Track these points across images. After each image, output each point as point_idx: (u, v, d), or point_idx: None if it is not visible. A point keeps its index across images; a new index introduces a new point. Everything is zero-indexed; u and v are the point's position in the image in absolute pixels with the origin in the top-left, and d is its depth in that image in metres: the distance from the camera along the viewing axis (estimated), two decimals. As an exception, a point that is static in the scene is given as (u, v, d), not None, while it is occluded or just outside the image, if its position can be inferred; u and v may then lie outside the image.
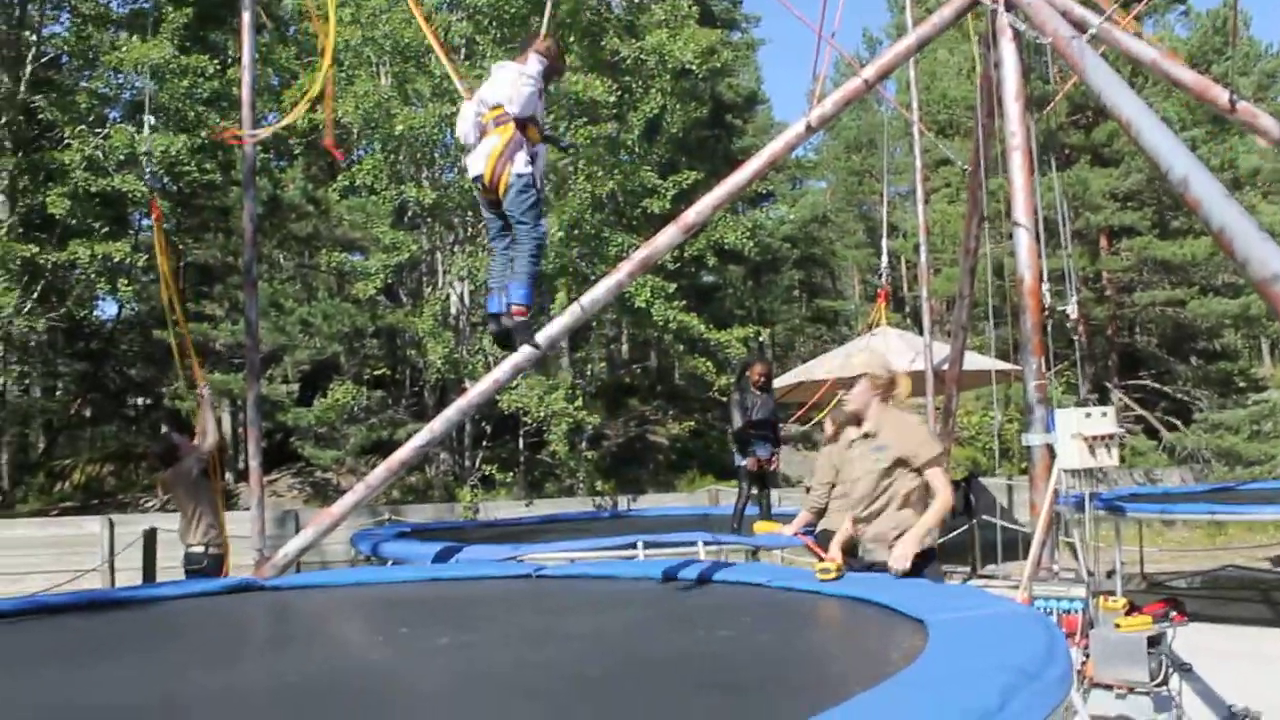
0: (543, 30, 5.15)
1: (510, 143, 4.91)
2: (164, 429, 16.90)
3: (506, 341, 5.27)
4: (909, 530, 5.04)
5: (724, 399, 19.83)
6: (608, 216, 19.22)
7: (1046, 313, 7.58)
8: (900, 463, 5.08)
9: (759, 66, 36.49)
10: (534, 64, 4.97)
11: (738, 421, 9.26)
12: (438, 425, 7.21)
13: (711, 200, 7.20)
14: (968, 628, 3.52)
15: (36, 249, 16.95)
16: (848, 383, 5.29)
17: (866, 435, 5.20)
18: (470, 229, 19.29)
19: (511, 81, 4.96)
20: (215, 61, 18.28)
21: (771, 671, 3.48)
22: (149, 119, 14.01)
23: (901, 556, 4.89)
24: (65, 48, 19.66)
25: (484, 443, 19.88)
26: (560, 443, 17.85)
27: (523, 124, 4.98)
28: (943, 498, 5.06)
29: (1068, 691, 3.01)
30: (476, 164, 4.99)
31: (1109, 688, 6.45)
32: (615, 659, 3.80)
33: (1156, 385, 25.27)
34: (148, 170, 15.16)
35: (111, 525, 15.34)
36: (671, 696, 3.19)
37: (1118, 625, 6.50)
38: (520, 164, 4.92)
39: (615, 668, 3.65)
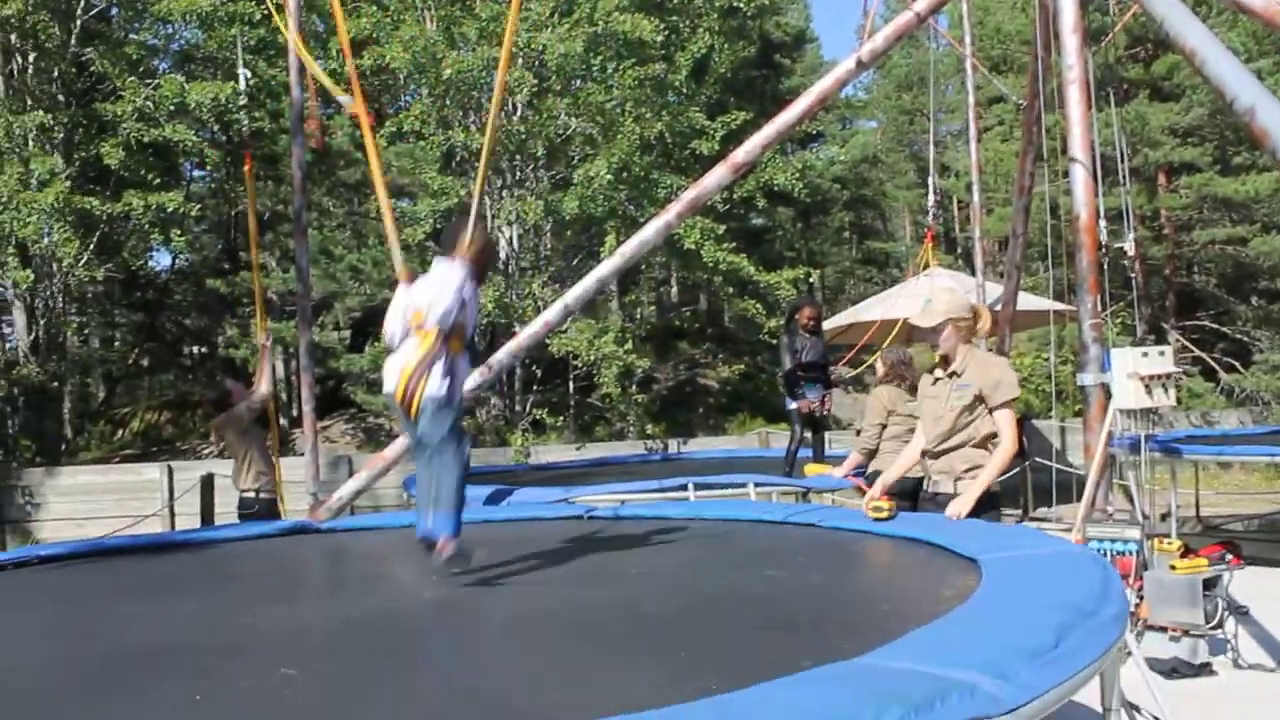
0: (467, 233, 4.52)
1: (428, 356, 4.32)
2: (219, 377, 17.15)
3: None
4: (975, 473, 5.00)
5: (774, 341, 19.75)
6: (656, 158, 19.07)
7: (1103, 251, 7.45)
8: (979, 400, 5.03)
9: (808, 4, 35.95)
10: (456, 274, 4.45)
11: (787, 364, 9.21)
12: (489, 368, 7.25)
13: (761, 139, 7.13)
14: (1021, 566, 3.49)
15: (95, 201, 17.16)
16: (932, 331, 5.20)
17: (953, 374, 5.14)
18: (519, 173, 19.25)
19: (435, 291, 4.43)
20: (262, 8, 18.26)
21: (824, 610, 3.49)
22: (244, 74, 13.86)
23: (957, 509, 4.86)
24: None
25: (534, 387, 19.97)
26: (612, 385, 17.85)
27: (446, 334, 4.39)
28: (1005, 444, 5.00)
29: (1123, 631, 2.98)
30: (390, 376, 4.43)
31: (1163, 630, 6.41)
32: (669, 598, 3.82)
33: (1215, 326, 24.80)
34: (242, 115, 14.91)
35: (170, 471, 15.66)
36: (726, 635, 3.20)
37: (1173, 567, 6.45)
38: (434, 383, 4.31)
39: (669, 606, 3.67)
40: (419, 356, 4.34)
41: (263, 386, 8.55)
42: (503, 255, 19.24)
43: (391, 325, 4.57)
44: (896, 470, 5.43)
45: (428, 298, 4.42)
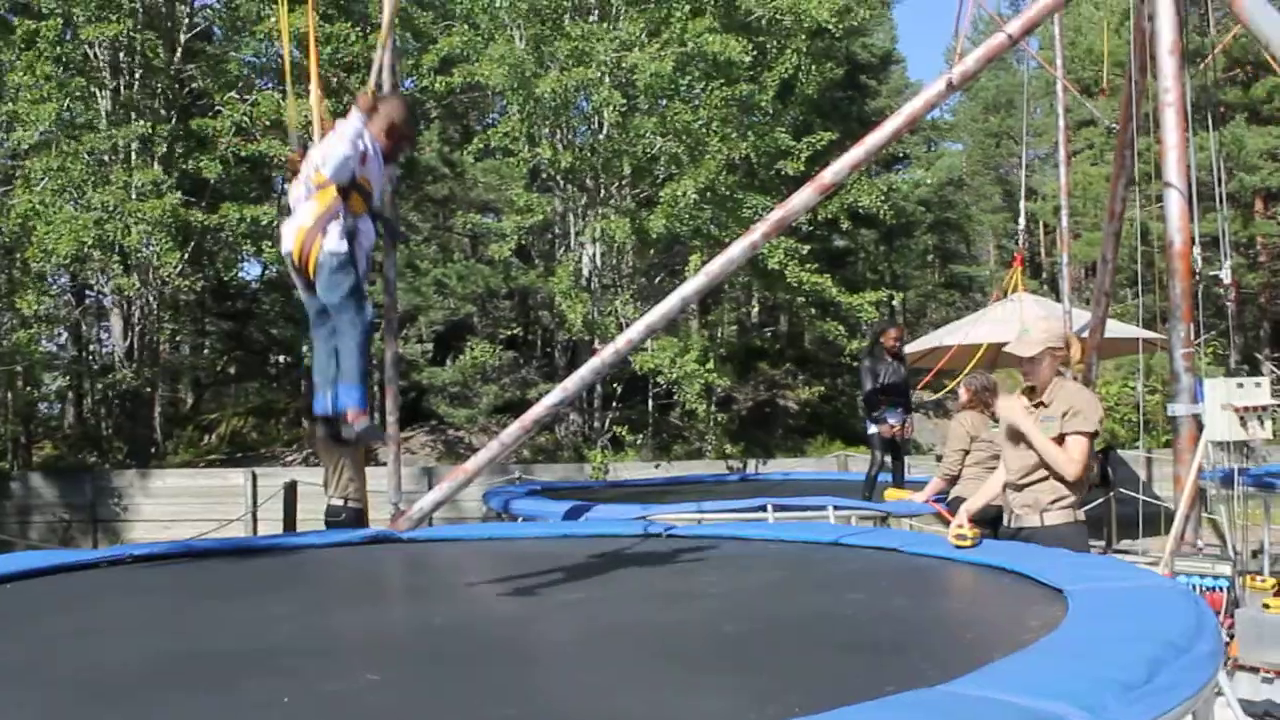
0: (369, 82, 4.25)
1: (326, 212, 4.04)
2: (306, 385, 17.42)
3: (339, 439, 4.39)
4: (1062, 500, 4.92)
5: (854, 364, 19.60)
6: (741, 178, 19.08)
7: (1196, 278, 7.29)
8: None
9: (894, 25, 35.69)
10: (352, 121, 4.10)
11: (868, 386, 9.17)
12: (571, 384, 7.31)
13: (849, 160, 7.10)
14: (1110, 598, 3.42)
15: (198, 214, 17.72)
16: (1028, 360, 5.11)
17: (1039, 405, 5.06)
18: (604, 190, 19.38)
19: (329, 140, 4.10)
20: (357, 29, 18.68)
21: (907, 636, 3.45)
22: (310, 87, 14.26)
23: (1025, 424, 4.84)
24: (216, 19, 20.36)
25: (614, 404, 20.04)
26: (697, 401, 17.83)
27: (345, 191, 4.11)
28: (1068, 463, 4.91)
29: (1218, 669, 2.91)
30: (285, 237, 4.15)
31: (1255, 670, 6.22)
32: (749, 618, 3.81)
33: (1312, 357, 24.12)
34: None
35: (254, 477, 15.98)
36: (808, 657, 3.18)
37: (1266, 606, 6.26)
38: (333, 240, 4.02)
39: (749, 627, 3.66)
40: (316, 213, 4.07)
41: None
42: (585, 272, 19.35)
43: (295, 190, 4.29)
44: (981, 498, 5.35)
45: (324, 152, 4.11)
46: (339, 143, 4.03)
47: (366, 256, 4.26)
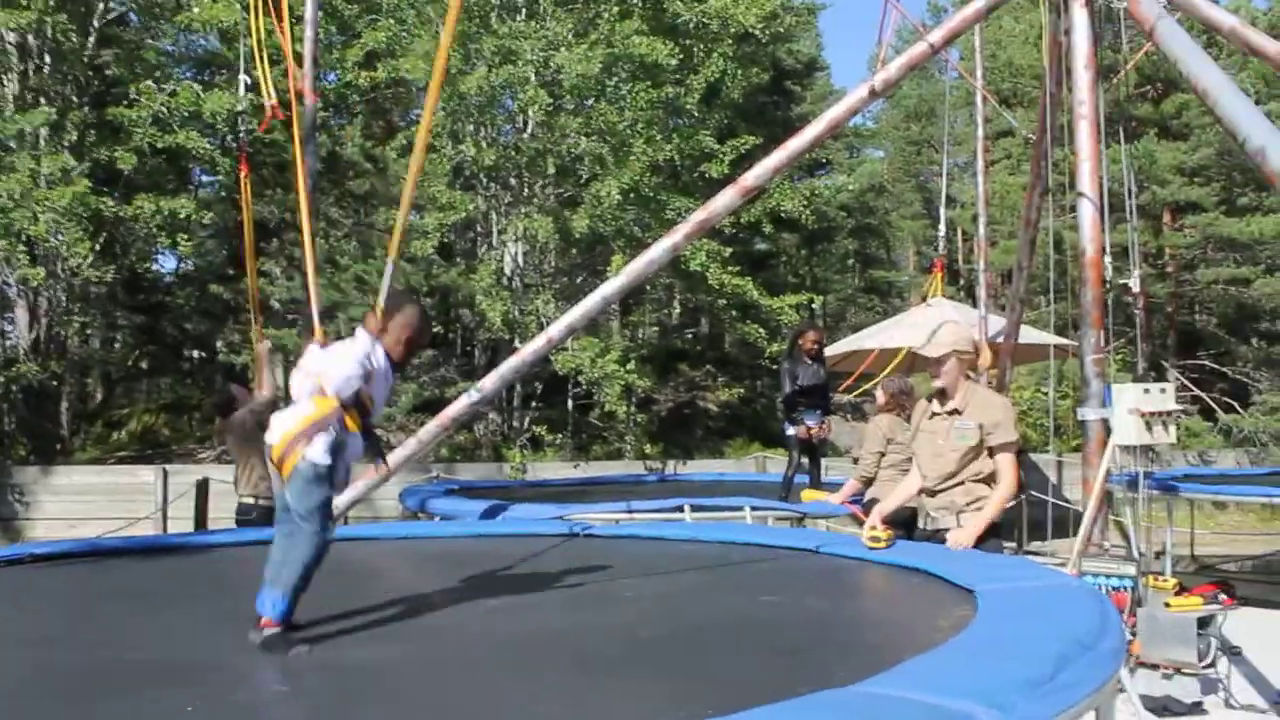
0: (378, 305, 4.14)
1: (316, 422, 3.93)
2: (219, 380, 17.11)
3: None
4: (979, 502, 5.00)
5: (774, 366, 19.74)
6: (665, 180, 19.13)
7: (1107, 287, 7.46)
8: (982, 443, 5.02)
9: (820, 32, 36.06)
10: (359, 342, 4.04)
11: (787, 389, 9.21)
12: (489, 383, 7.26)
13: (771, 163, 7.15)
14: (1019, 598, 3.49)
15: (109, 202, 17.22)
16: (937, 361, 5.19)
17: (953, 412, 5.12)
18: (527, 189, 19.30)
19: (335, 357, 4.02)
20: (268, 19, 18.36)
21: (821, 636, 3.48)
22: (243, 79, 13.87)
23: (959, 542, 4.85)
24: (133, 5, 19.86)
25: (533, 403, 19.97)
26: (617, 403, 17.83)
27: (345, 406, 4.01)
28: (1005, 485, 5.01)
29: (1120, 665, 2.97)
30: (273, 432, 4.04)
31: (1155, 667, 6.39)
32: (665, 620, 3.81)
33: (1215, 365, 24.82)
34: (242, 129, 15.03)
35: (165, 474, 15.64)
36: (722, 658, 3.19)
37: (1167, 605, 6.44)
38: (317, 450, 3.91)
39: (665, 629, 3.66)
40: (308, 419, 3.96)
41: (264, 391, 8.52)
42: (507, 271, 19.26)
43: (296, 384, 4.16)
44: (895, 500, 5.42)
45: (325, 363, 4.03)
46: (346, 362, 3.95)
47: (347, 471, 4.15)
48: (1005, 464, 5.01)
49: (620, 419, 18.80)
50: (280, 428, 3.97)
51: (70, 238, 16.66)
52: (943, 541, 4.98)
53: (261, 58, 8.50)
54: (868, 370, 13.55)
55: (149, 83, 17.83)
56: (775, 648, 3.31)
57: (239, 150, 12.34)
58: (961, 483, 5.06)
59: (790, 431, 9.26)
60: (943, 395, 5.20)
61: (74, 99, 18.72)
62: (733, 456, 20.50)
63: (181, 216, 17.58)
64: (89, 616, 4.18)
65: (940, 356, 5.15)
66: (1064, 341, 12.64)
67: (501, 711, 2.73)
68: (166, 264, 24.61)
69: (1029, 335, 13.17)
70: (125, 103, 18.03)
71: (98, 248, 17.64)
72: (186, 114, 17.72)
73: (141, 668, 3.19)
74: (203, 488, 12.78)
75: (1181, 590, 6.57)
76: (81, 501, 15.54)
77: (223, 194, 22.99)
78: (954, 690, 2.30)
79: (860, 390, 14.67)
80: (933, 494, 5.17)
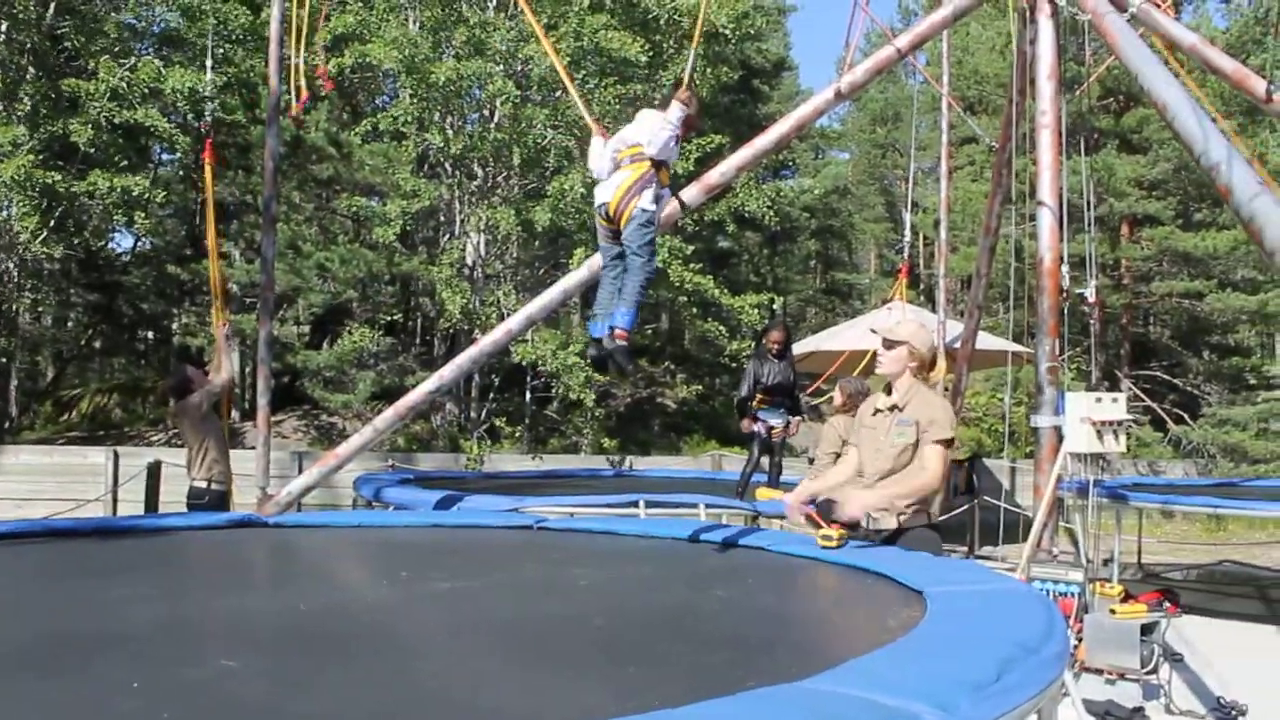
0: (685, 80, 5.29)
1: (642, 178, 4.98)
2: (174, 363, 16.88)
3: (602, 365, 5.19)
4: (918, 508, 5.01)
5: (735, 364, 19.81)
6: (630, 176, 19.10)
7: (1064, 296, 7.54)
8: (919, 440, 5.03)
9: (789, 33, 36.21)
10: (676, 110, 5.03)
11: (744, 389, 9.25)
12: (448, 373, 7.23)
13: (736, 161, 7.17)
14: (967, 601, 3.52)
15: (58, 176, 16.89)
16: (889, 344, 5.20)
17: (894, 408, 5.13)
18: (491, 180, 19.24)
19: (653, 124, 5.04)
20: (245, 10, 18.22)
21: (770, 633, 3.49)
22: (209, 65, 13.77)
23: (850, 509, 4.87)
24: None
25: (491, 395, 19.91)
26: (582, 391, 17.80)
27: (657, 165, 5.07)
28: (928, 472, 4.98)
29: (1063, 669, 3.01)
30: (605, 192, 5.06)
31: (1099, 672, 6.48)
32: (615, 613, 3.81)
33: (1167, 377, 25.18)
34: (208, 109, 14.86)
35: (116, 456, 15.42)
36: (671, 652, 3.19)
37: (1112, 611, 6.52)
38: (647, 199, 4.99)
39: (615, 621, 3.66)
40: (635, 176, 4.97)
41: (222, 374, 8.44)
42: (469, 261, 19.18)
43: (599, 162, 5.19)
44: (826, 482, 5.41)
45: (644, 134, 5.02)
46: (666, 128, 4.97)
47: (659, 217, 5.20)
48: (932, 454, 4.99)
49: (586, 408, 18.77)
50: (612, 187, 5.02)
51: (18, 211, 16.38)
52: (886, 539, 5.00)
53: (299, 43, 8.52)
54: (836, 373, 13.63)
55: (108, 57, 17.56)
56: (724, 642, 3.32)
57: (205, 134, 12.19)
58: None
59: (755, 428, 9.30)
60: (888, 390, 5.22)
61: (30, 70, 18.39)
62: (690, 453, 20.54)
63: (136, 193, 17.30)
64: (36, 594, 4.13)
65: (893, 341, 5.16)
66: (1020, 349, 12.77)
67: (450, 699, 2.72)
68: (123, 242, 24.30)
69: (986, 341, 13.30)
70: (85, 76, 17.76)
71: (51, 223, 17.35)
72: (147, 90, 17.48)
73: (87, 644, 3.16)
74: (154, 470, 12.64)
75: (1127, 598, 6.66)
76: (29, 482, 15.29)
77: (181, 173, 22.76)
78: (900, 690, 2.31)
79: (823, 396, 14.73)
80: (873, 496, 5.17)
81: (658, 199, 5.04)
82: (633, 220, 4.96)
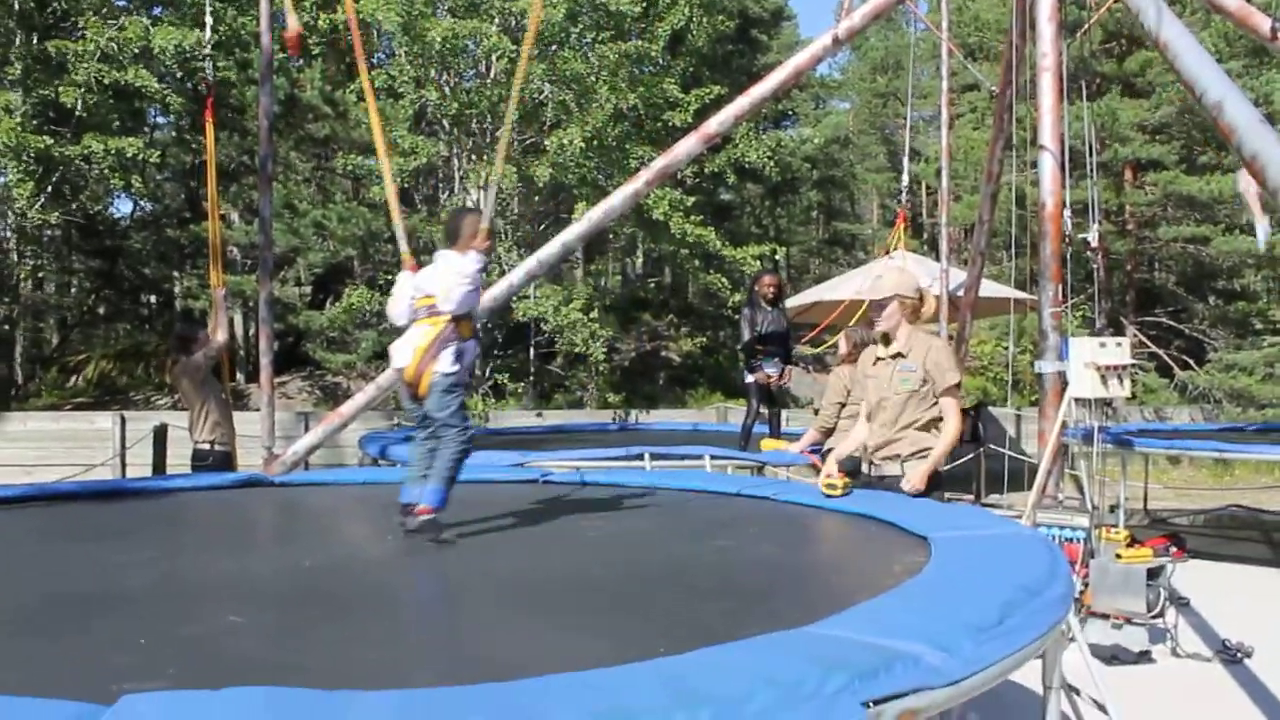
0: (483, 223, 4.65)
1: (440, 338, 4.54)
2: (179, 324, 16.84)
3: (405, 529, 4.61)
4: (924, 452, 5.01)
5: (736, 316, 19.76)
6: (629, 128, 18.99)
7: (1066, 241, 7.50)
8: (925, 383, 5.04)
9: (788, -18, 35.80)
10: (472, 263, 4.58)
11: (746, 336, 9.13)
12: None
13: (734, 110, 7.11)
14: (971, 545, 3.52)
15: (50, 140, 16.77)
16: (879, 304, 5.20)
17: (896, 355, 5.14)
18: (490, 136, 19.12)
19: (448, 279, 4.58)
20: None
21: (774, 581, 3.50)
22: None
23: (914, 482, 4.88)
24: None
25: (495, 351, 19.90)
26: (587, 347, 17.79)
27: (457, 319, 4.61)
28: (951, 427, 5.02)
29: (1066, 612, 3.01)
30: (402, 354, 4.64)
31: (1106, 617, 6.51)
32: (621, 564, 3.83)
33: (1172, 323, 25.09)
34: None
35: (123, 420, 15.46)
36: (677, 601, 3.21)
37: (1118, 556, 6.54)
38: (445, 362, 4.52)
39: (621, 572, 3.68)
40: (431, 337, 4.54)
41: (219, 335, 8.42)
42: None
43: (397, 307, 4.81)
44: (848, 445, 5.43)
45: (440, 284, 4.59)
46: (463, 283, 4.54)
47: (469, 373, 4.77)
48: (949, 407, 5.03)
49: (593, 362, 18.77)
50: (408, 349, 4.61)
51: (13, 178, 16.29)
52: (891, 486, 5.00)
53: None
54: (834, 323, 13.57)
55: (95, 17, 17.37)
56: (729, 591, 3.33)
57: (205, 92, 12.05)
58: (906, 428, 5.08)
59: (750, 379, 9.22)
60: (887, 340, 5.22)
61: (19, 34, 18.19)
62: (695, 406, 20.56)
63: (130, 155, 17.17)
64: (45, 556, 4.17)
65: (882, 300, 5.17)
66: (1024, 296, 12.72)
67: (453, 645, 2.74)
68: (123, 207, 24.21)
69: (990, 289, 13.24)
70: (74, 38, 17.58)
71: (48, 189, 17.26)
72: (136, 50, 17.30)
73: (95, 602, 3.19)
74: (161, 434, 12.67)
75: (1133, 543, 6.67)
76: (38, 448, 15.34)
77: (176, 135, 22.59)
78: (902, 632, 2.32)
79: (823, 344, 14.71)
80: (880, 441, 5.19)
81: (459, 355, 4.58)
82: (433, 388, 4.53)
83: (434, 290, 4.62)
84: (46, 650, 2.68)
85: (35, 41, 18.11)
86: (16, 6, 17.99)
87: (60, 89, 17.06)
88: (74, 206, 18.84)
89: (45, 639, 2.79)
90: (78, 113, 17.36)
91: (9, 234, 18.61)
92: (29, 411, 17.75)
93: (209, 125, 9.42)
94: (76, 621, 2.97)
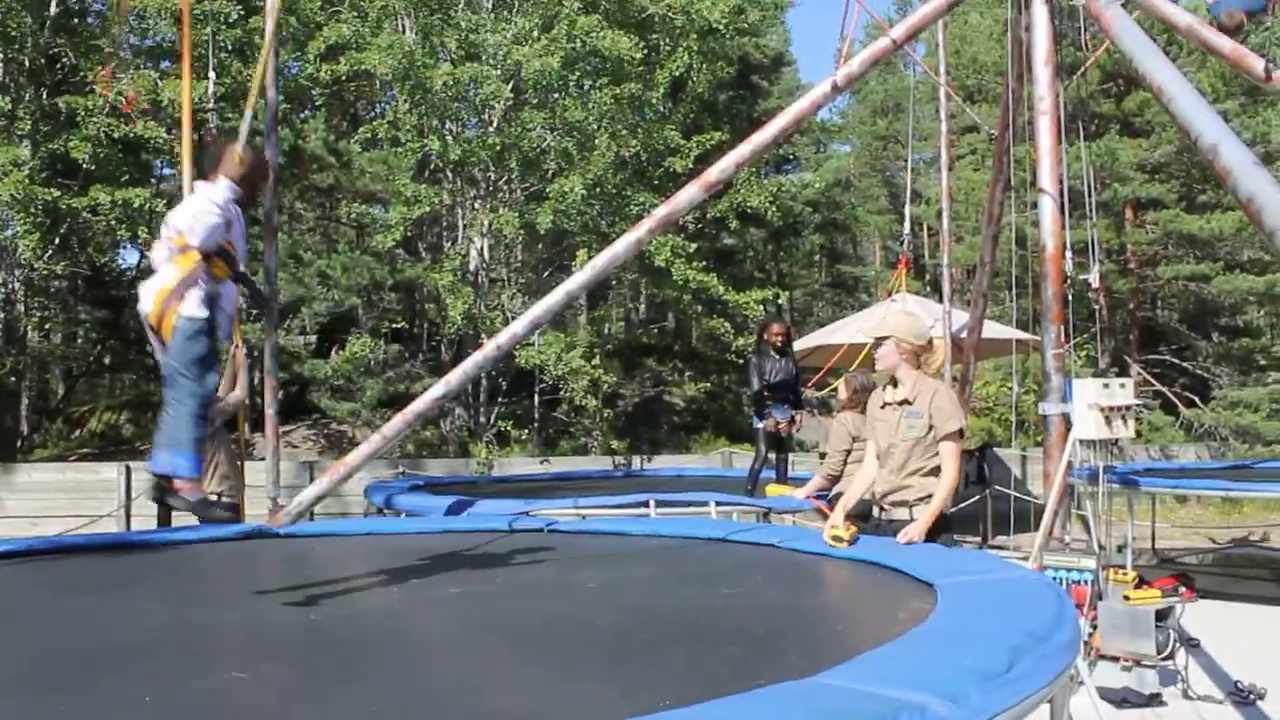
0: (237, 145, 4.20)
1: (185, 278, 4.05)
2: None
3: (166, 505, 4.30)
4: (926, 502, 5.02)
5: (741, 361, 19.78)
6: (630, 176, 19.12)
7: (1068, 282, 7.51)
8: (931, 431, 5.06)
9: (787, 27, 36.16)
10: (221, 189, 4.14)
11: (754, 384, 9.20)
12: (454, 378, 7.22)
13: (735, 158, 7.15)
14: (978, 591, 3.51)
15: (59, 193, 16.92)
16: (875, 343, 5.25)
17: (903, 402, 5.16)
18: (492, 184, 19.25)
19: (193, 207, 4.15)
20: (239, 7, 18.19)
21: (780, 629, 3.49)
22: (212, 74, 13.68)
23: (910, 535, 4.88)
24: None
25: (499, 399, 19.92)
26: (587, 397, 17.83)
27: (208, 256, 4.14)
28: (949, 475, 5.05)
29: (1074, 657, 3.00)
30: (145, 298, 4.13)
31: (1115, 659, 6.46)
32: (626, 612, 3.82)
33: (1176, 361, 25.09)
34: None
35: (128, 471, 15.45)
36: (682, 650, 3.20)
37: (1127, 598, 6.51)
38: (190, 305, 4.03)
39: (626, 621, 3.67)
40: (177, 278, 4.08)
41: (235, 391, 8.43)
42: (472, 266, 19.18)
43: (157, 250, 4.33)
44: (854, 492, 5.43)
45: (186, 218, 4.14)
46: (209, 213, 4.05)
47: (229, 319, 4.33)
48: (949, 453, 5.06)
49: (589, 414, 18.80)
50: (151, 291, 4.06)
51: (20, 230, 16.41)
52: (895, 533, 5.00)
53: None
54: (837, 365, 13.59)
55: (100, 67, 17.56)
56: (733, 640, 3.32)
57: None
58: (913, 474, 5.11)
59: (759, 425, 9.27)
60: (895, 384, 5.25)
61: (28, 89, 18.39)
62: (699, 451, 20.51)
63: (136, 206, 17.28)
64: (49, 610, 4.15)
65: (879, 337, 5.21)
66: (1027, 336, 12.73)
67: (460, 698, 2.73)
68: (129, 258, 24.33)
69: (993, 330, 13.27)
70: (84, 93, 17.76)
71: (56, 241, 17.38)
72: (145, 105, 17.48)
73: (100, 658, 3.18)
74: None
75: (1142, 583, 6.64)
76: (43, 499, 15.33)
77: (179, 186, 22.71)
78: (909, 682, 2.31)
79: (827, 387, 14.68)
80: (886, 487, 5.21)
81: (212, 299, 4.12)
82: (175, 333, 4.02)
83: (182, 225, 4.16)
84: (52, 708, 2.68)
85: (45, 96, 18.31)
86: (27, 64, 18.20)
87: (70, 143, 17.23)
88: (81, 258, 18.95)
89: (50, 695, 2.78)
90: (85, 166, 17.51)
91: (17, 286, 18.69)
92: (35, 463, 17.75)
93: None
94: (79, 678, 2.96)
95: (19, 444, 19.69)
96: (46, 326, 22.65)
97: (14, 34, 17.84)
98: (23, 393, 20.64)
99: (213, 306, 4.13)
